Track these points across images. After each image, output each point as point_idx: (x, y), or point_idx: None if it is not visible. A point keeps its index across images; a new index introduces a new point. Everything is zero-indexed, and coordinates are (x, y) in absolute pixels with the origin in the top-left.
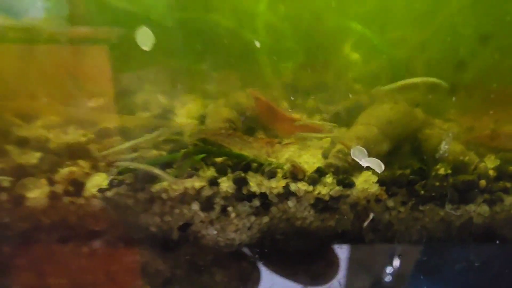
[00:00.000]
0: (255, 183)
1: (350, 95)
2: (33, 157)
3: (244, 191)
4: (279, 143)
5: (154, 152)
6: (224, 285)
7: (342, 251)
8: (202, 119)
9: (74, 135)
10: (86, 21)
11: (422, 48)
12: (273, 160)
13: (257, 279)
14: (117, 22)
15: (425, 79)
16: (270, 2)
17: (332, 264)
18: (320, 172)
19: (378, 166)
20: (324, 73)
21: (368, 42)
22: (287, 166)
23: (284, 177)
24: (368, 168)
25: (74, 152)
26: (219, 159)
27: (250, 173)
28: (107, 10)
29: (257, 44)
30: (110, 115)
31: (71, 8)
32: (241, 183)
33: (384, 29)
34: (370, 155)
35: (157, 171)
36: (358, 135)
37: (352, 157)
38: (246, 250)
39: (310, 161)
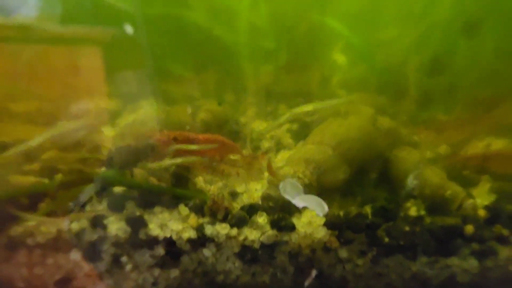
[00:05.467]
0: (157, 224)
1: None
2: None
3: (142, 235)
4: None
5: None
6: None
7: None
8: None
9: None
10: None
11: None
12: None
13: None
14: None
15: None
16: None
17: None
18: (251, 209)
19: (320, 207)
20: (304, 76)
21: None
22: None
23: (202, 215)
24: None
25: None
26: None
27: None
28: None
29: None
30: None
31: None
32: (137, 224)
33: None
34: (322, 184)
35: None
36: (307, 158)
37: (281, 193)
38: None
39: (257, 188)
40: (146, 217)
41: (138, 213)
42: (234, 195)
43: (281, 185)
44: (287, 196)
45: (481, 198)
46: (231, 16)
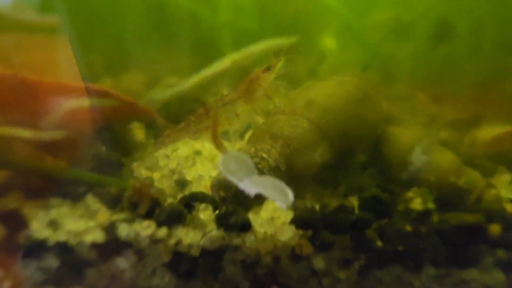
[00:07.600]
0: (46, 222)
1: None
2: None
3: (23, 240)
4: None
5: None
6: None
7: None
8: None
9: None
10: None
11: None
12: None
13: None
14: None
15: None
16: None
17: None
18: (191, 200)
19: (282, 195)
20: (291, 59)
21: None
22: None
23: (121, 208)
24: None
25: None
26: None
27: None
28: None
29: None
30: None
31: None
32: (13, 221)
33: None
34: (294, 168)
35: None
36: (274, 132)
37: (222, 173)
38: None
39: (207, 173)
40: (30, 211)
41: (14, 205)
42: (181, 184)
43: (221, 160)
44: (232, 178)
45: (503, 189)
46: None
